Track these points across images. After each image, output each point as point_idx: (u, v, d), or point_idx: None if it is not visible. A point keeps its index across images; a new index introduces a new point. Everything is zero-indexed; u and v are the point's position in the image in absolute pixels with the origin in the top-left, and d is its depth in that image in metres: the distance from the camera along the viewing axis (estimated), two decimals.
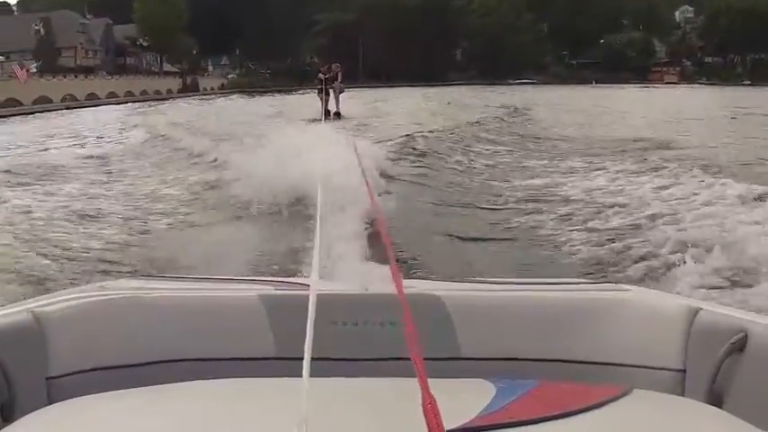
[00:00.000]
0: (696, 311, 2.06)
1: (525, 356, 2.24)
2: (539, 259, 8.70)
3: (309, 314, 1.32)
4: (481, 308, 2.34)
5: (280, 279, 3.30)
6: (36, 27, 62.67)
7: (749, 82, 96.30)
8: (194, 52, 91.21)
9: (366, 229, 8.00)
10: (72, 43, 75.63)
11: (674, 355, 2.07)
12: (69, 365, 2.08)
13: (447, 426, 1.08)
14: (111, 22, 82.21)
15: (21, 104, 42.34)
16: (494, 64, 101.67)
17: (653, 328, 2.14)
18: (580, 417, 1.39)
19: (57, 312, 2.13)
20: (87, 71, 67.64)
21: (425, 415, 1.06)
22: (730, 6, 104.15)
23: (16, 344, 1.97)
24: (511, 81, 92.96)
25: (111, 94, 55.62)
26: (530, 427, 1.34)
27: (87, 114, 37.46)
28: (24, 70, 46.95)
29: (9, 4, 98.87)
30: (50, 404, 1.70)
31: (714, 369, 1.90)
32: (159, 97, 59.64)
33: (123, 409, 1.52)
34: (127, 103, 50.23)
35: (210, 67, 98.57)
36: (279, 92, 66.97)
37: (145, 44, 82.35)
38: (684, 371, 2.04)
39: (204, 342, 2.25)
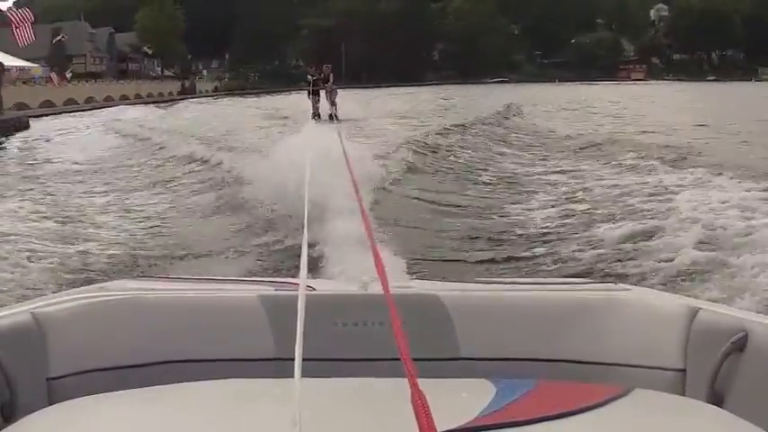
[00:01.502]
0: (696, 311, 2.09)
1: (525, 356, 2.27)
2: None
3: (299, 314, 1.35)
4: (481, 308, 2.37)
5: (279, 279, 3.47)
6: (62, 37, 71.10)
7: (713, 77, 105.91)
8: (189, 57, 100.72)
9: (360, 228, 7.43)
10: (82, 51, 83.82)
11: (674, 354, 2.10)
12: (70, 366, 2.12)
13: (447, 426, 1.10)
14: (114, 30, 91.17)
15: (54, 105, 51.64)
16: (469, 64, 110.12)
17: (653, 327, 2.17)
18: (580, 417, 1.42)
19: (57, 313, 2.17)
20: (95, 76, 75.59)
21: (416, 413, 1.05)
22: (693, 6, 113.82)
23: (16, 345, 1.99)
24: (485, 80, 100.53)
25: (123, 97, 63.44)
26: (530, 427, 1.36)
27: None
28: (59, 77, 56.93)
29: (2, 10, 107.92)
30: (51, 405, 1.75)
31: (714, 368, 1.93)
32: (162, 99, 68.42)
33: (123, 409, 1.56)
34: (136, 104, 58.50)
35: (205, 72, 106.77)
36: (268, 93, 76.12)
37: (149, 51, 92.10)
38: (685, 370, 2.08)
39: (204, 343, 2.29)
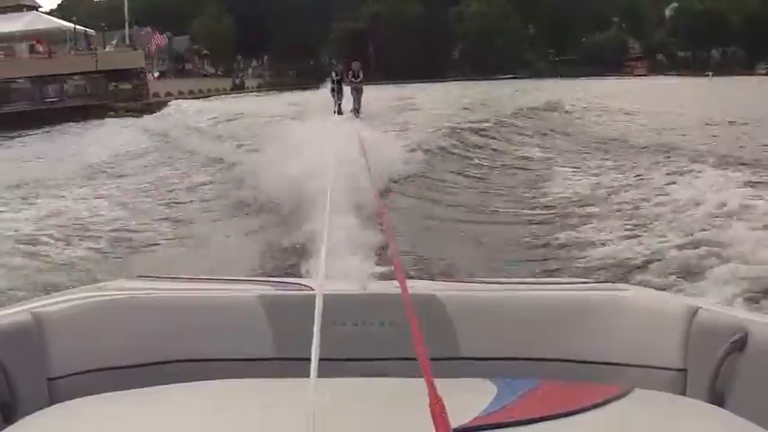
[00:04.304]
0: (695, 311, 2.15)
1: (526, 356, 2.33)
2: None
3: (316, 315, 1.40)
4: (481, 308, 2.45)
5: (279, 279, 3.57)
6: (158, 43, 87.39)
7: (711, 73, 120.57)
8: (239, 58, 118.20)
9: (371, 228, 8.67)
10: (148, 53, 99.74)
11: (674, 354, 2.15)
12: (70, 366, 2.18)
13: (447, 426, 1.10)
14: (171, 35, 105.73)
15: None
16: (485, 62, 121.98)
17: (653, 327, 2.23)
18: (582, 416, 1.48)
19: (57, 313, 2.22)
20: (161, 75, 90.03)
21: (433, 415, 1.07)
22: (692, 7, 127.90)
23: (16, 345, 2.04)
24: (500, 76, 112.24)
25: (190, 92, 77.27)
26: (531, 426, 1.41)
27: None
28: (151, 75, 74.07)
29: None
30: (51, 405, 1.80)
31: (715, 368, 1.96)
32: (219, 93, 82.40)
33: (124, 409, 1.62)
34: (200, 98, 72.42)
35: (250, 70, 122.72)
36: (308, 88, 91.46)
37: (208, 53, 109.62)
38: (685, 370, 2.13)
39: (204, 343, 2.36)
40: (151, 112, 46.94)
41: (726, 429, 1.57)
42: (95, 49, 55.87)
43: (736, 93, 52.45)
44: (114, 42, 62.19)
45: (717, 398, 1.95)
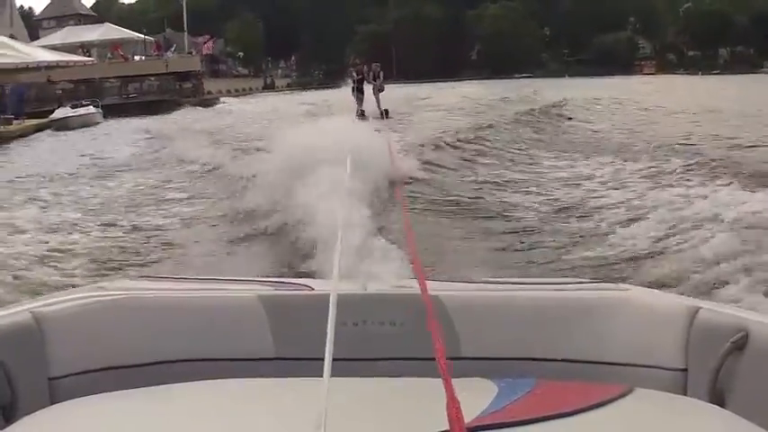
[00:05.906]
0: (696, 310, 2.17)
1: (526, 356, 2.36)
2: None
3: (330, 315, 1.41)
4: (481, 308, 2.48)
5: (279, 279, 3.59)
6: (204, 48, 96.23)
7: (718, 71, 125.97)
8: (269, 59, 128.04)
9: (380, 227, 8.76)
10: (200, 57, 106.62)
11: (674, 354, 2.17)
12: (70, 366, 2.20)
13: (447, 425, 1.12)
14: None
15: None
16: (502, 62, 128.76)
17: (653, 327, 2.25)
18: (582, 416, 1.48)
19: (57, 313, 2.25)
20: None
21: (449, 415, 1.09)
22: (698, 8, 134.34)
23: (17, 345, 2.07)
24: (515, 76, 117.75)
25: (228, 91, 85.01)
26: (530, 426, 1.41)
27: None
28: None
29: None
30: (52, 404, 1.83)
31: (715, 368, 1.98)
32: (253, 92, 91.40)
33: (125, 409, 1.63)
34: (239, 96, 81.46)
35: (279, 71, 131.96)
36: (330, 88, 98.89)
37: (241, 56, 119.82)
38: (686, 370, 2.15)
39: (204, 342, 2.39)
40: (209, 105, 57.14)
41: (726, 429, 1.57)
42: (164, 55, 66.80)
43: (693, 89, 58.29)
44: (173, 49, 72.87)
45: (717, 398, 1.96)
